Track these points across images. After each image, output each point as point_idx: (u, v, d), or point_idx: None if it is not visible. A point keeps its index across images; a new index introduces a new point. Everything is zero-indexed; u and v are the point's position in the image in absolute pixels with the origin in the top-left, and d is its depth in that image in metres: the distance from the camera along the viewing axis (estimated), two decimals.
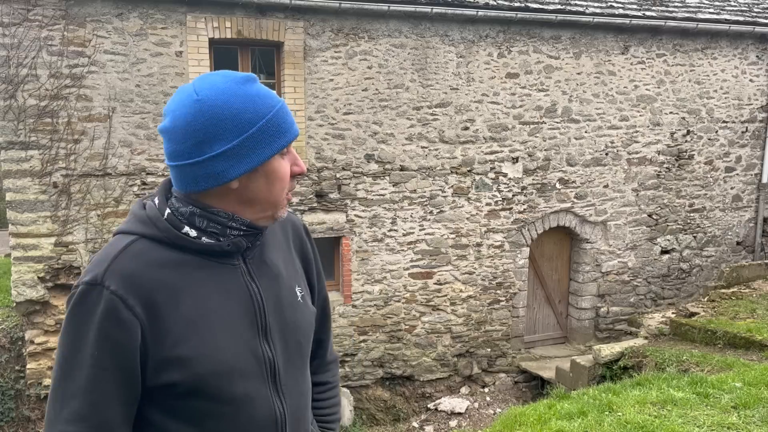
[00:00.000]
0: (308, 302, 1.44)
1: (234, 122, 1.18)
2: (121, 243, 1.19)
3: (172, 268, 1.19)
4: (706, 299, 7.82)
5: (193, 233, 1.22)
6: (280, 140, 1.23)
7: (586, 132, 8.81)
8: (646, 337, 7.20)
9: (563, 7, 8.20)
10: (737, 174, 9.85)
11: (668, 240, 9.59)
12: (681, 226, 9.64)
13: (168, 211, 1.22)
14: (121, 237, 1.21)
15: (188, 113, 1.17)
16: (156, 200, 1.25)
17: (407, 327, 8.34)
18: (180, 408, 1.20)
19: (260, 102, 1.21)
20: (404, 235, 8.13)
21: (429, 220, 8.22)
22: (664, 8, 8.85)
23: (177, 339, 1.16)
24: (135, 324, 1.13)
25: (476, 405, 8.32)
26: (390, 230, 8.06)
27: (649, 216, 9.40)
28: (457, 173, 8.24)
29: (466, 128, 8.18)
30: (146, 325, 1.14)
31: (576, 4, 8.32)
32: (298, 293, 1.40)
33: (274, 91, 8.15)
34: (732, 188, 9.86)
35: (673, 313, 7.70)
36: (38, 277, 6.74)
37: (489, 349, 8.81)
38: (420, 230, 8.20)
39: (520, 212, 8.64)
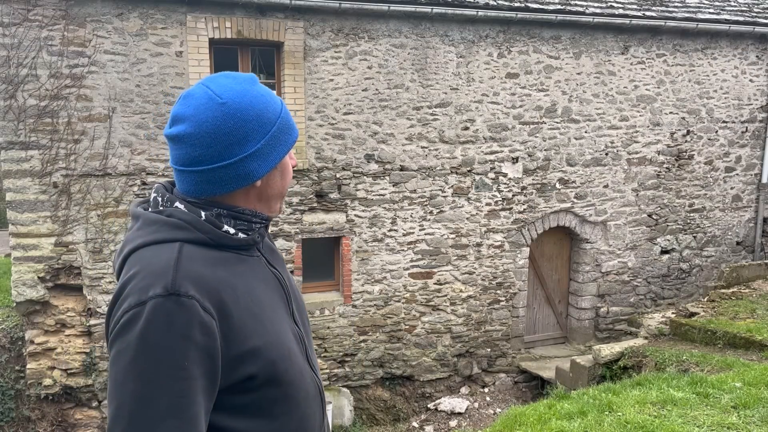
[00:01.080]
0: None
1: (259, 122, 1.24)
2: (170, 250, 1.16)
3: (222, 266, 1.21)
4: (706, 299, 7.82)
5: (231, 230, 1.26)
6: (292, 136, 1.32)
7: (586, 132, 8.81)
8: (646, 337, 7.19)
9: (563, 7, 8.20)
10: (737, 174, 9.85)
11: (668, 240, 9.59)
12: (681, 226, 9.64)
13: (203, 213, 1.23)
14: (160, 247, 1.17)
15: (215, 117, 1.20)
16: (180, 205, 1.23)
17: (407, 327, 8.34)
18: (248, 402, 1.21)
19: (272, 101, 1.28)
20: (404, 235, 8.13)
21: (429, 220, 8.22)
22: (664, 8, 8.85)
23: (247, 333, 1.19)
24: (214, 326, 1.13)
25: (476, 405, 8.31)
26: (390, 230, 8.06)
27: (649, 216, 9.40)
28: (457, 173, 8.24)
29: (466, 128, 8.18)
30: (218, 325, 1.14)
31: (576, 4, 8.32)
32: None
33: (274, 91, 8.19)
34: (732, 188, 9.86)
35: (673, 313, 7.69)
36: (38, 277, 6.74)
37: (489, 349, 8.81)
38: (420, 230, 8.20)
39: (520, 212, 8.64)
